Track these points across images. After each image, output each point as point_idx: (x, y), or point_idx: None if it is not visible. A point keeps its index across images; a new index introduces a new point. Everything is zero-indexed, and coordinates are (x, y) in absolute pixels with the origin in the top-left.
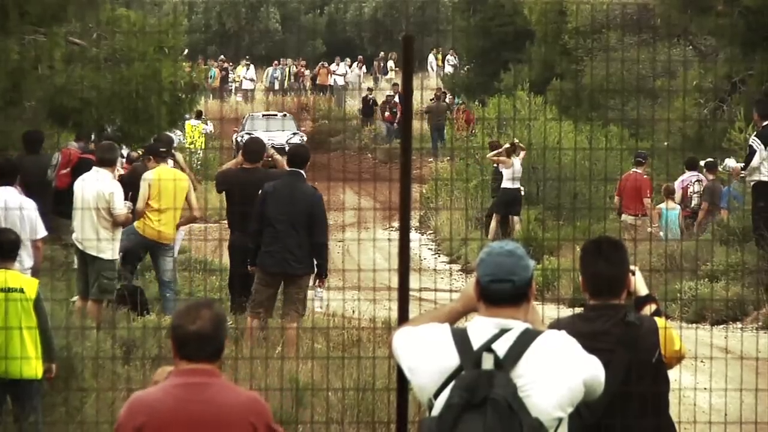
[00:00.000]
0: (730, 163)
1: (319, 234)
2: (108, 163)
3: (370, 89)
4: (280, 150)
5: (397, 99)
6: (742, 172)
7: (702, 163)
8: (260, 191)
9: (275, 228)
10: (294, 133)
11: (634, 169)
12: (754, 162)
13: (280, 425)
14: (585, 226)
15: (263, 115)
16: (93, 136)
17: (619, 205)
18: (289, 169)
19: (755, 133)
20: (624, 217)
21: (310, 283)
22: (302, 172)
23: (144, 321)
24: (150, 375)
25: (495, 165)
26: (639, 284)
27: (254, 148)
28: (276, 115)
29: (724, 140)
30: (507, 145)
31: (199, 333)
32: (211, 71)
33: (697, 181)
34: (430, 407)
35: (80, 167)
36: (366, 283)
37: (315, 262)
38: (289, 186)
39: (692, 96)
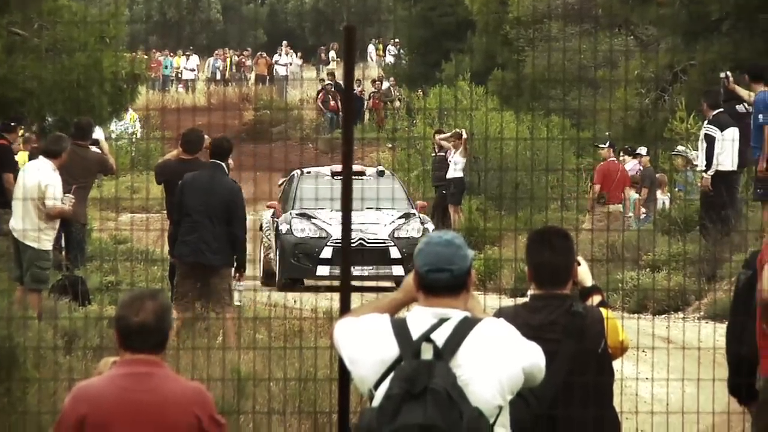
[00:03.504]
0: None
1: (237, 227)
2: (53, 154)
3: (322, 79)
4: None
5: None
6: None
7: (644, 150)
8: (179, 182)
9: (192, 218)
10: (407, 215)
11: (612, 158)
12: (717, 148)
13: (222, 415)
14: (527, 216)
15: (333, 174)
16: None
17: (599, 194)
18: (210, 160)
19: (707, 121)
20: (613, 207)
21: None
22: (223, 164)
23: (86, 311)
24: (92, 365)
25: (441, 153)
26: (584, 275)
27: (192, 139)
28: (362, 174)
29: (666, 130)
30: (457, 131)
31: (142, 324)
32: (167, 61)
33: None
34: (371, 398)
35: None
36: None
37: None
38: (208, 177)
39: (634, 86)
